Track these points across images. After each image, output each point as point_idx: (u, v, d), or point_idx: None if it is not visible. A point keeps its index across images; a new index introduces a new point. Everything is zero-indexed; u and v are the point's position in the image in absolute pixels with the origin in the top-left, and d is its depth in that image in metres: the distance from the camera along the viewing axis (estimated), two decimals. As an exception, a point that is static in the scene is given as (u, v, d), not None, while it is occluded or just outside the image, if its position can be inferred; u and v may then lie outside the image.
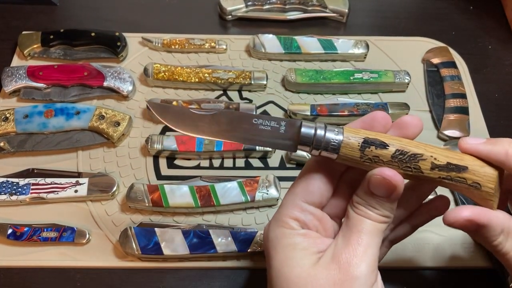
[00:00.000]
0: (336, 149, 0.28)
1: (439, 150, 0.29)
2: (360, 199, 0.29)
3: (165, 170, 0.51)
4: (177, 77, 0.55)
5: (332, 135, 0.28)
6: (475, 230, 0.29)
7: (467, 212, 0.28)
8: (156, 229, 0.44)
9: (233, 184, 0.47)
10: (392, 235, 0.35)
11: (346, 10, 0.64)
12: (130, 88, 0.55)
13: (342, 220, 0.32)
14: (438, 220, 0.47)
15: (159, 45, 0.59)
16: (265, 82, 0.56)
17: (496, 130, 0.55)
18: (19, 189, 0.47)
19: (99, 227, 0.47)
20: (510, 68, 0.61)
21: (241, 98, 0.57)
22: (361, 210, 0.29)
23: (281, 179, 0.49)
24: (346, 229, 0.29)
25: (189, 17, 0.65)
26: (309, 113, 0.53)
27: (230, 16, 0.64)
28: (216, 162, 0.51)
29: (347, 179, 0.32)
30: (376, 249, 0.28)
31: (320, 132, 0.28)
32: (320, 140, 0.28)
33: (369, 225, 0.28)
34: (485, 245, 0.31)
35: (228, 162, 0.52)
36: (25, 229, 0.45)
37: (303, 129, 0.29)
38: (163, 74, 0.55)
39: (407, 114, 0.54)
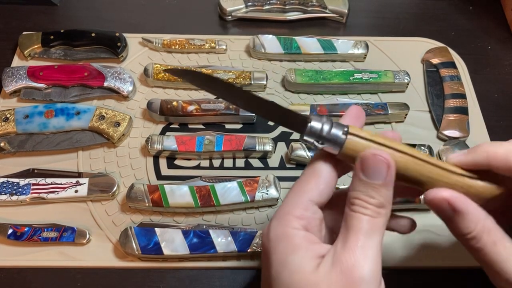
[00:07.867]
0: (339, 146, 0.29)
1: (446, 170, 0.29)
2: (355, 191, 0.28)
3: (165, 170, 0.51)
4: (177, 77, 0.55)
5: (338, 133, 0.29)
6: (451, 216, 0.29)
7: (447, 193, 0.28)
8: (156, 229, 0.44)
9: (233, 184, 0.47)
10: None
11: (346, 11, 0.64)
12: (130, 88, 0.55)
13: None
14: (438, 220, 0.48)
15: (159, 45, 0.60)
16: (265, 83, 0.56)
17: (495, 130, 0.55)
18: (20, 189, 0.47)
19: (99, 227, 0.47)
20: (510, 68, 0.61)
21: (241, 98, 0.57)
22: (358, 205, 0.28)
23: (281, 179, 0.49)
24: (344, 231, 0.28)
25: (189, 17, 0.65)
26: (308, 114, 0.53)
27: (230, 17, 0.64)
28: (216, 162, 0.52)
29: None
30: (377, 250, 0.27)
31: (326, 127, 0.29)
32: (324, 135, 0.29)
33: (366, 223, 0.27)
34: (459, 237, 0.30)
35: (228, 162, 0.52)
36: (25, 229, 0.45)
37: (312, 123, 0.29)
38: (163, 74, 0.55)
39: (406, 114, 0.54)
